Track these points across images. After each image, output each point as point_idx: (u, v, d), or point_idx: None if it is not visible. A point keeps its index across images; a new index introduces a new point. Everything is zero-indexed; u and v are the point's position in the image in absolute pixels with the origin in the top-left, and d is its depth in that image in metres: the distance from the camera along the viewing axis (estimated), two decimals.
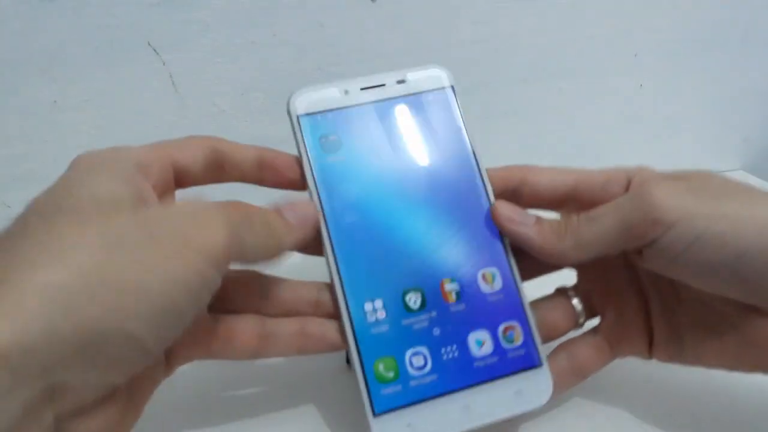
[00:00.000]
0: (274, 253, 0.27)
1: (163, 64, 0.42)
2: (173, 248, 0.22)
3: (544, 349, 0.31)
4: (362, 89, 0.31)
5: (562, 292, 0.33)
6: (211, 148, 0.29)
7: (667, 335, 0.31)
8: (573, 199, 0.31)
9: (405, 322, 0.29)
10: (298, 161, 0.30)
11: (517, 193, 0.31)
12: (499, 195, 0.31)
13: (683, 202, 0.26)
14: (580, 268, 0.33)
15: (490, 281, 0.31)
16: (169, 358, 0.28)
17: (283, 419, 0.33)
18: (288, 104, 0.31)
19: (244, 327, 0.29)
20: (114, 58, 0.42)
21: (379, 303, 0.29)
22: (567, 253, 0.29)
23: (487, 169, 0.32)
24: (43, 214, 0.21)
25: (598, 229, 0.28)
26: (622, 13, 0.50)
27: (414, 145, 0.31)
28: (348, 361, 0.36)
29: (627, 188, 0.30)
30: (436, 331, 0.30)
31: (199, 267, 0.22)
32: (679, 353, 0.30)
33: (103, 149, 0.26)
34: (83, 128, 0.43)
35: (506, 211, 0.30)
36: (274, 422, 0.33)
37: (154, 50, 0.42)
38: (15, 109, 0.42)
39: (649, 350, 0.31)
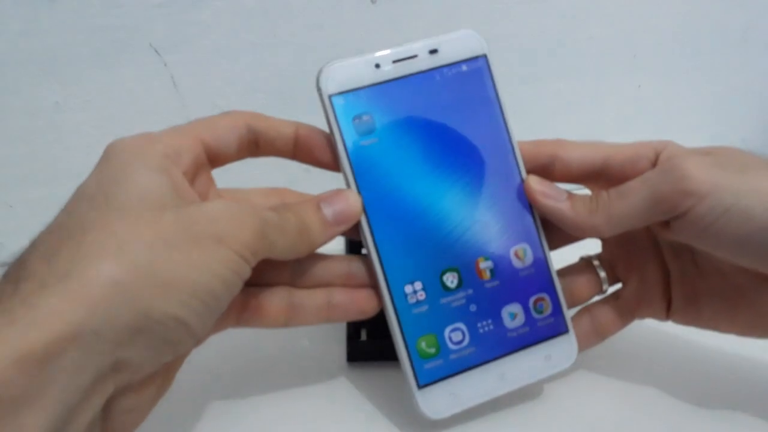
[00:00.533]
0: (304, 252, 0.29)
1: (165, 65, 0.42)
2: (211, 246, 0.24)
3: (569, 315, 0.32)
4: (394, 62, 0.30)
5: (587, 262, 0.34)
6: (246, 127, 0.29)
7: (685, 302, 0.32)
8: (603, 174, 0.31)
9: (443, 300, 0.30)
10: (330, 141, 0.30)
11: (548, 168, 0.32)
12: (530, 170, 0.32)
13: (713, 175, 0.27)
14: (605, 238, 0.34)
15: (522, 257, 0.32)
16: None
17: (282, 418, 0.33)
18: (318, 82, 0.29)
19: (273, 299, 0.30)
20: (115, 59, 0.42)
21: (418, 285, 0.30)
22: (599, 228, 0.29)
23: (518, 143, 0.32)
24: (96, 208, 0.24)
25: (629, 203, 0.29)
26: (621, 14, 0.50)
27: (448, 121, 0.31)
28: (349, 359, 0.36)
29: (655, 163, 0.30)
30: (473, 308, 0.31)
31: (232, 263, 0.25)
32: (695, 318, 0.32)
33: (134, 137, 0.27)
34: (85, 129, 0.43)
35: (539, 186, 0.31)
36: (273, 420, 0.33)
37: (156, 51, 0.42)
38: (17, 109, 0.42)
39: (667, 314, 0.33)
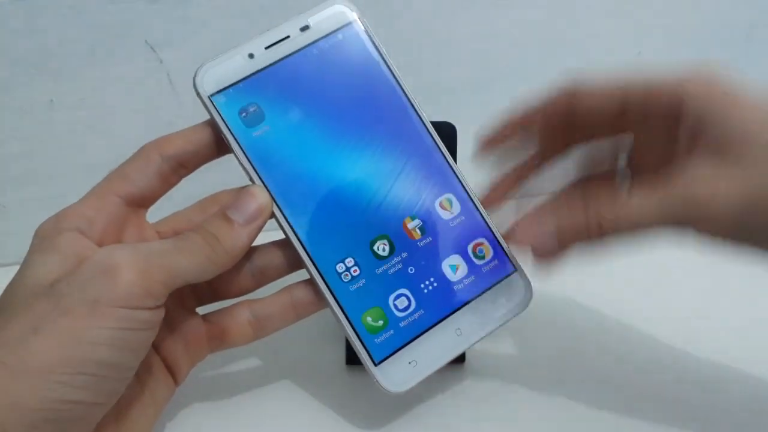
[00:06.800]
0: (226, 263, 0.27)
1: (161, 62, 0.42)
2: (84, 313, 0.23)
3: (512, 252, 0.31)
4: (267, 48, 0.30)
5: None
6: (160, 159, 0.28)
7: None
8: (624, 120, 0.30)
9: (379, 270, 0.30)
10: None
11: (569, 119, 0.31)
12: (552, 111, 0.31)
13: (725, 199, 0.26)
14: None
15: (448, 207, 0.31)
16: (173, 372, 0.29)
17: (281, 420, 0.33)
18: (195, 86, 0.29)
19: (235, 320, 0.30)
20: (111, 57, 0.41)
21: (350, 261, 0.30)
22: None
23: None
24: None
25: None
26: (625, 11, 0.50)
27: (338, 92, 0.30)
28: (348, 361, 0.35)
29: (678, 110, 0.29)
30: (411, 270, 0.30)
31: (116, 321, 0.24)
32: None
33: (52, 218, 0.27)
34: (79, 127, 0.43)
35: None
36: (272, 423, 0.33)
37: (151, 48, 0.42)
38: (11, 108, 0.41)
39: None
